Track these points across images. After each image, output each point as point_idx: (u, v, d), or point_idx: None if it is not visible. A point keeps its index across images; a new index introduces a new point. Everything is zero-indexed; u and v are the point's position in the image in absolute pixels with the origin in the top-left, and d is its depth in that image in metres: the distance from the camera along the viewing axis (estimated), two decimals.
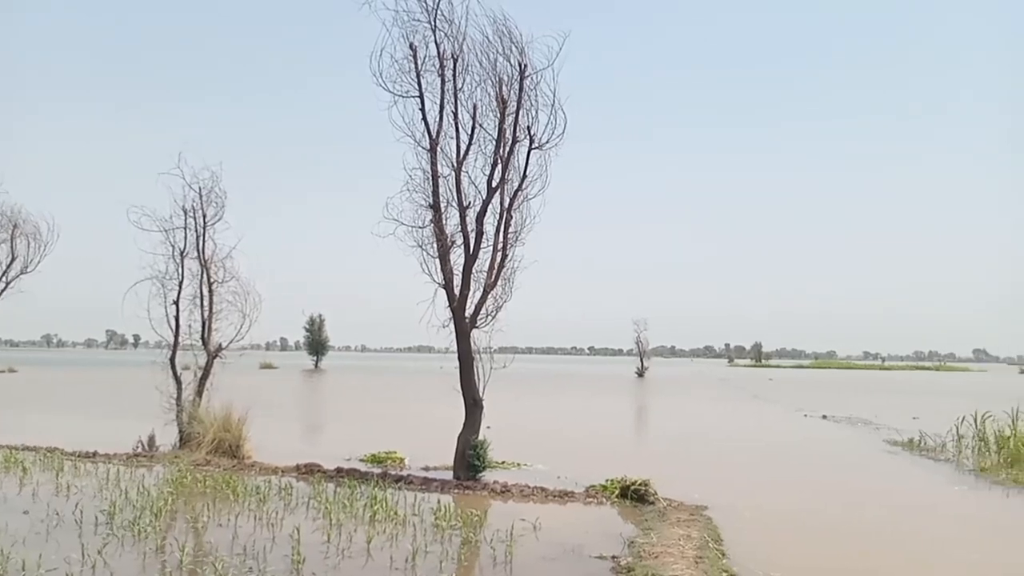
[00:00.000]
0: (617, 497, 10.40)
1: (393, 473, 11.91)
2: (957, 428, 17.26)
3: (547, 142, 11.78)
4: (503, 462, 13.03)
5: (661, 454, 16.89)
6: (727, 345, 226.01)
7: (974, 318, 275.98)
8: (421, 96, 11.69)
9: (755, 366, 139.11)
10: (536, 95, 11.69)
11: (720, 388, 51.98)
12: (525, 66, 11.50)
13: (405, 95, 11.71)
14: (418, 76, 11.65)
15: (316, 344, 75.83)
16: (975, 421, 16.93)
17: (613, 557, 7.38)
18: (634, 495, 10.22)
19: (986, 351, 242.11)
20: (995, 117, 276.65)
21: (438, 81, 11.69)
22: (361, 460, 13.51)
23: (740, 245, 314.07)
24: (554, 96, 11.61)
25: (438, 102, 11.72)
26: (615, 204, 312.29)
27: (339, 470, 11.98)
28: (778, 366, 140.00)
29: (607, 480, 11.00)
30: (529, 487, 10.96)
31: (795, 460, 16.09)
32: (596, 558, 7.42)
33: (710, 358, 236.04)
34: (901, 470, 14.62)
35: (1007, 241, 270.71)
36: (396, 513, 8.89)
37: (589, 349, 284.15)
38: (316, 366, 73.63)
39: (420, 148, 11.78)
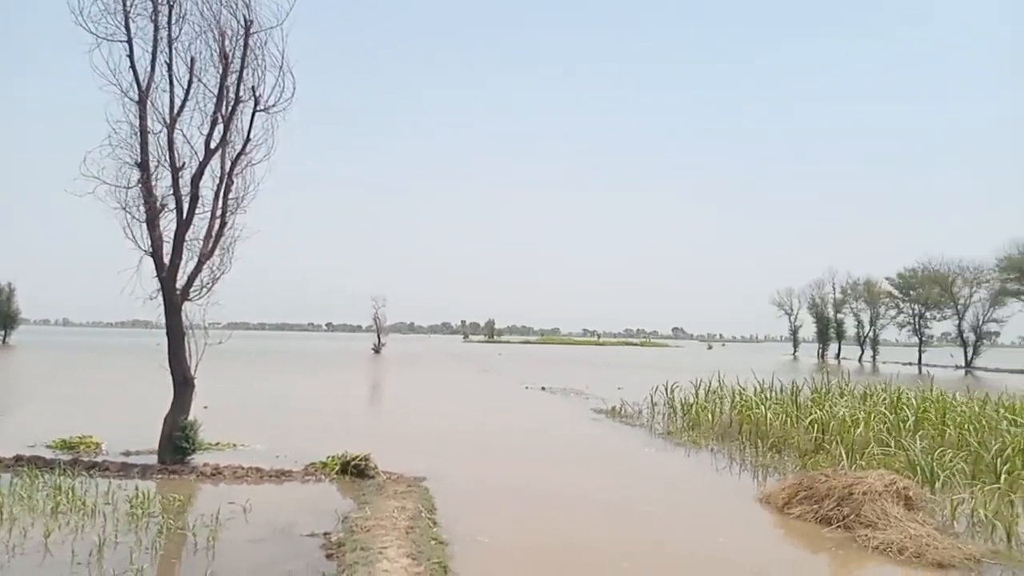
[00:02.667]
0: (337, 473, 10.31)
1: (86, 460, 10.74)
2: (651, 397, 19.61)
3: (274, 105, 11.26)
4: (217, 443, 12.31)
5: (387, 429, 17.04)
6: (463, 322, 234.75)
7: (672, 300, 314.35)
8: (129, 41, 10.56)
9: (488, 341, 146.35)
10: (264, 55, 11.11)
11: (452, 363, 53.77)
12: (251, 22, 10.86)
13: (110, 38, 10.49)
14: (126, 18, 10.50)
15: (3, 317, 65.98)
16: (666, 391, 19.35)
17: (325, 534, 7.30)
18: (354, 470, 10.20)
19: (683, 329, 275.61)
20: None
21: (151, 27, 10.63)
22: (48, 446, 11.98)
23: (478, 225, 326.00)
24: (283, 58, 11.12)
25: (150, 50, 10.65)
26: (355, 177, 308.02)
27: (19, 458, 10.56)
28: (508, 341, 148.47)
29: (328, 457, 10.85)
30: (244, 468, 10.47)
31: (512, 431, 17.06)
32: (307, 536, 7.31)
33: (448, 334, 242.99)
34: (604, 435, 16.13)
35: (690, 230, 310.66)
36: (84, 503, 8.07)
37: (327, 325, 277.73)
38: (3, 342, 64.25)
39: (127, 99, 10.62)
